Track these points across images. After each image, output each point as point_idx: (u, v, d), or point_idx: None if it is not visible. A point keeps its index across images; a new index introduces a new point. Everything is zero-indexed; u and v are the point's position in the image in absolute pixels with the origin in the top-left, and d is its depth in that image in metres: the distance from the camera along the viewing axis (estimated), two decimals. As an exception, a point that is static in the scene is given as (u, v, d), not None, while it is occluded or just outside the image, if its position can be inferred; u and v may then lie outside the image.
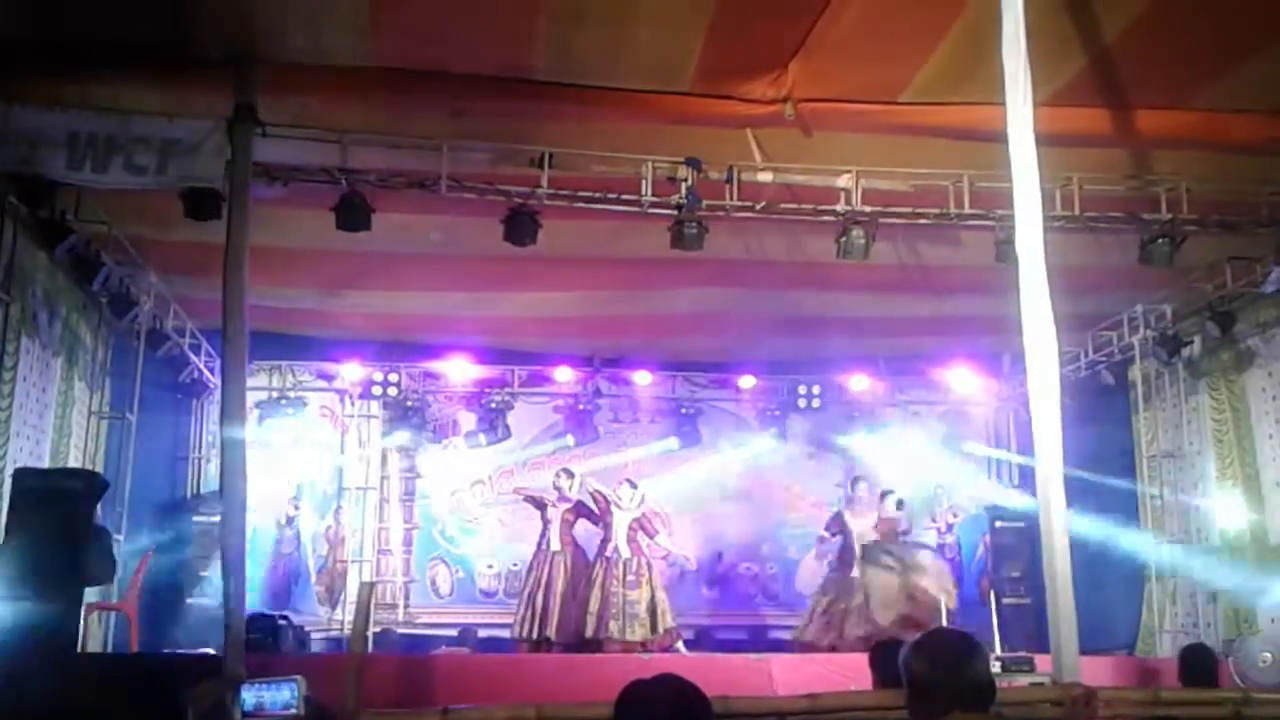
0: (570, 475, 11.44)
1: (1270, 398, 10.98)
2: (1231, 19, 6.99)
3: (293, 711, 5.74)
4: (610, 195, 8.89)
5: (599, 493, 11.14)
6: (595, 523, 11.06)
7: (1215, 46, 7.35)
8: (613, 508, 10.95)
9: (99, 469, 10.12)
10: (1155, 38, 7.12)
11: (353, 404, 13.77)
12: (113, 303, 10.23)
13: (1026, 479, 13.22)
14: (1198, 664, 5.84)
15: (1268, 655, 8.41)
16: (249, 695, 5.79)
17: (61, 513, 7.10)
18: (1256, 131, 8.27)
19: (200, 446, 13.09)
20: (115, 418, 10.92)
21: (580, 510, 11.14)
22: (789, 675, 8.40)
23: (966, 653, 2.83)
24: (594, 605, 10.55)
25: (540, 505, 11.30)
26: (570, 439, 13.97)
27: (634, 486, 11.23)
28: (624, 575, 10.61)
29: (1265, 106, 8.13)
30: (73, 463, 10.05)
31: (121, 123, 7.65)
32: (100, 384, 10.95)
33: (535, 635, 10.70)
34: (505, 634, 11.86)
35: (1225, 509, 11.42)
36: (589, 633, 10.47)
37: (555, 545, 10.99)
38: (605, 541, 10.90)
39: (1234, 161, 8.86)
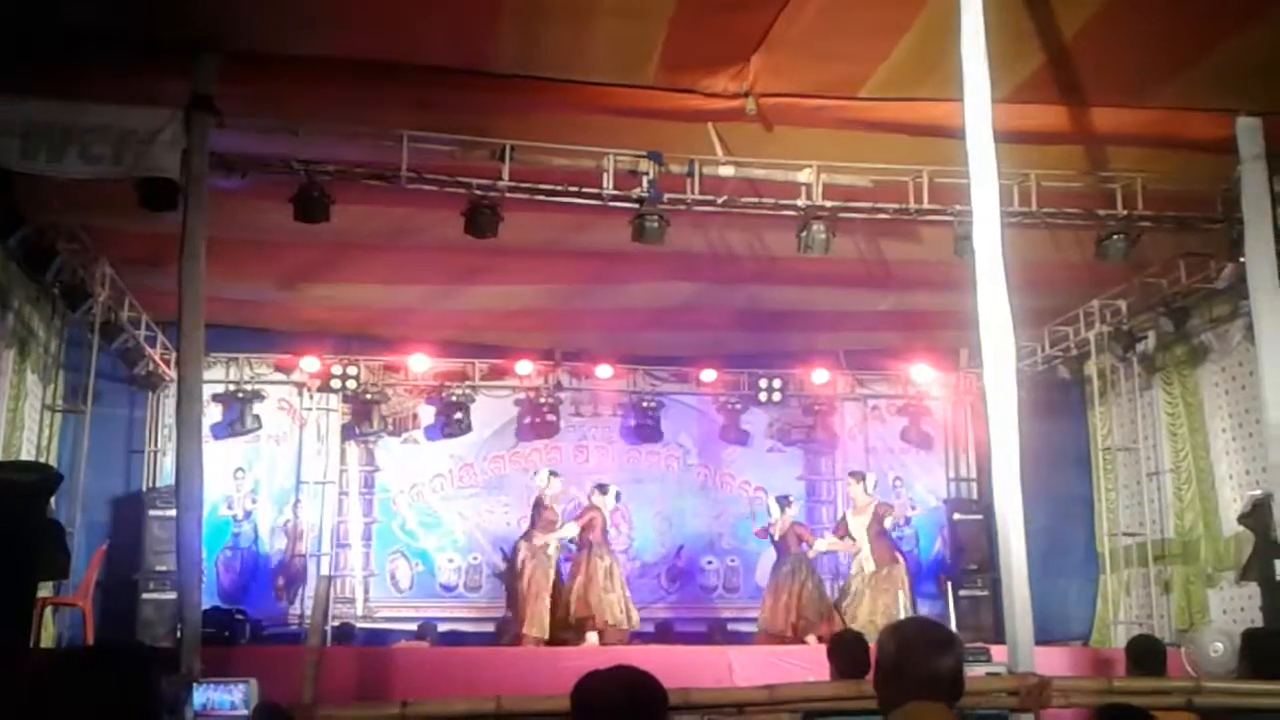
0: (556, 476, 11.48)
1: (1223, 392, 11.14)
2: (1186, 19, 7.08)
3: (241, 712, 5.72)
4: (571, 188, 8.88)
5: (582, 502, 11.38)
6: (580, 526, 11.10)
7: (1170, 45, 7.44)
8: (589, 512, 11.09)
9: (53, 462, 9.97)
10: (1111, 36, 7.21)
11: (311, 397, 13.61)
12: (66, 294, 10.07)
13: (984, 472, 13.35)
14: (1146, 654, 5.90)
15: (1219, 645, 8.52)
16: (198, 694, 5.76)
17: (14, 506, 6.98)
18: (1210, 129, 8.39)
19: (156, 440, 12.89)
20: (69, 410, 10.76)
21: (567, 513, 11.25)
22: (749, 667, 8.44)
23: (937, 643, 2.79)
24: (574, 603, 10.65)
25: (537, 506, 11.29)
26: (530, 433, 13.93)
27: (604, 492, 11.32)
28: (601, 577, 10.72)
29: (1219, 105, 8.25)
30: (26, 456, 9.90)
31: (77, 112, 7.53)
32: (53, 376, 10.79)
33: (516, 633, 10.73)
34: (466, 628, 11.84)
35: (1179, 502, 11.59)
36: (562, 631, 10.59)
37: (540, 543, 10.96)
38: (584, 545, 10.96)
39: (1188, 159, 8.96)
